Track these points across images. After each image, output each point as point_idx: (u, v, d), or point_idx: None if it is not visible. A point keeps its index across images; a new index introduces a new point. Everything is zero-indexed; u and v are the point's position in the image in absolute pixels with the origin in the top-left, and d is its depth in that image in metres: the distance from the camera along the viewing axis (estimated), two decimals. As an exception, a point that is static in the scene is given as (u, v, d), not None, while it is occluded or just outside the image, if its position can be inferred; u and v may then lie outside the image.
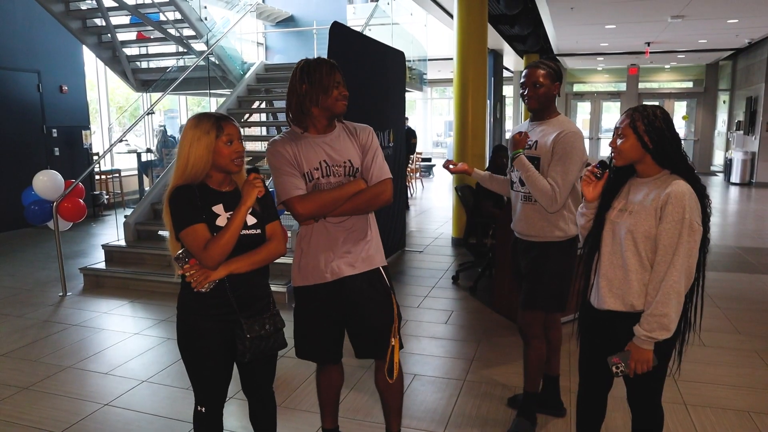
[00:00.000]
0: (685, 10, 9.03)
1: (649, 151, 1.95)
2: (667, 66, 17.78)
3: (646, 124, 1.94)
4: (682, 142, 2.05)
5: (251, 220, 2.06)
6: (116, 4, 7.90)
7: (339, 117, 2.31)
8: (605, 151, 18.98)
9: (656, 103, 2.03)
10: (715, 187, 13.50)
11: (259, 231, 2.08)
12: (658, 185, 1.96)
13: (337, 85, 2.21)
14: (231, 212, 2.01)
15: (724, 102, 16.39)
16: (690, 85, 18.26)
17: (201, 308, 2.03)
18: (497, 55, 14.29)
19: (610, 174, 2.11)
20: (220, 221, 1.99)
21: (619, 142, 1.99)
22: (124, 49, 8.96)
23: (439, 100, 23.71)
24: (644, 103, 2.00)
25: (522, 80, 2.71)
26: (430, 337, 4.20)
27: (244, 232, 2.01)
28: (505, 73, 16.91)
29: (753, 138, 13.38)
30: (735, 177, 13.54)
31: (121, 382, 3.50)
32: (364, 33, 6.40)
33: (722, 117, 16.44)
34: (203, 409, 2.15)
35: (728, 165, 14.06)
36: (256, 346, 2.03)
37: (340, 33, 4.58)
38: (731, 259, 6.41)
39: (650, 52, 13.55)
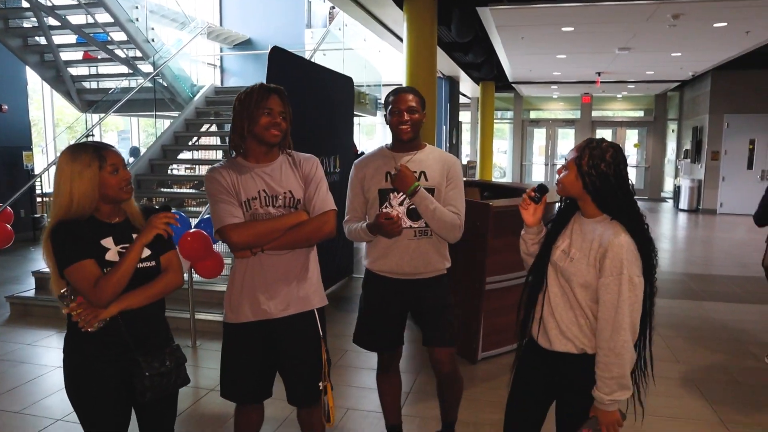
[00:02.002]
0: (631, 42, 9.31)
1: (588, 192, 1.86)
2: (618, 95, 18.32)
3: (590, 165, 1.82)
4: (635, 168, 1.97)
5: (145, 252, 1.93)
6: (59, 24, 7.69)
7: (277, 146, 2.21)
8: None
9: (611, 141, 1.89)
10: (664, 213, 13.85)
11: (153, 263, 1.95)
12: (598, 230, 1.86)
13: (267, 113, 2.11)
14: (122, 245, 1.88)
15: (672, 131, 16.95)
16: (641, 114, 18.84)
17: (92, 350, 1.88)
18: (453, 82, 14.48)
19: (563, 201, 2.01)
20: (110, 255, 1.86)
21: (564, 173, 1.91)
22: (70, 69, 8.72)
23: (400, 125, 23.86)
24: (600, 138, 1.93)
25: (391, 107, 2.47)
26: (368, 368, 4.08)
27: (138, 265, 1.89)
28: (462, 99, 17.13)
29: (699, 166, 13.82)
30: (683, 203, 13.93)
31: (34, 422, 3.27)
32: (314, 58, 6.35)
33: (671, 145, 16.98)
34: None
35: (677, 192, 14.47)
36: (157, 384, 1.90)
37: (280, 58, 4.51)
38: (676, 285, 6.51)
39: (601, 82, 13.92)
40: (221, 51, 13.13)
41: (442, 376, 2.70)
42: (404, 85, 6.87)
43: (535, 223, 2.05)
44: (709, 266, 7.65)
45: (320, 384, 2.25)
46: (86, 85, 9.26)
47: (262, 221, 2.12)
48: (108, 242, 1.88)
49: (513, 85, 15.79)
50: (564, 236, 1.98)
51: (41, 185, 9.33)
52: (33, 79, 9.51)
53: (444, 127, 13.63)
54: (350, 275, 6.69)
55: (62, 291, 1.85)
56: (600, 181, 1.82)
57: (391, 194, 2.47)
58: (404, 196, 2.44)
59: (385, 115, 2.56)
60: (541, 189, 2.02)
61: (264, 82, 2.27)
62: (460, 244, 2.60)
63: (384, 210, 2.45)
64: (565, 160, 1.93)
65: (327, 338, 2.29)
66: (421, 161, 2.49)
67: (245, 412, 2.38)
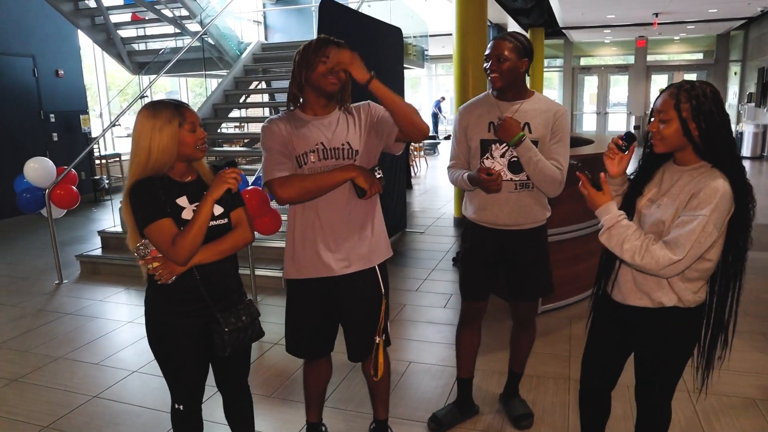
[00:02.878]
0: (695, -21, 8.74)
1: (691, 141, 1.71)
2: (676, 37, 17.35)
3: (694, 107, 1.67)
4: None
5: (218, 210, 1.95)
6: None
7: (336, 98, 2.16)
8: (613, 126, 18.69)
9: (705, 81, 1.74)
10: (743, 166, 13.21)
11: (225, 220, 1.98)
12: (694, 177, 1.74)
13: (324, 61, 2.06)
14: (196, 204, 1.90)
15: (735, 73, 16.00)
16: (700, 56, 17.85)
17: (172, 305, 1.94)
18: (501, 30, 13.99)
19: (646, 151, 1.89)
20: (186, 214, 1.89)
21: (661, 126, 1.74)
22: (119, 31, 8.81)
23: (445, 77, 23.35)
24: (665, 78, 1.74)
25: (486, 53, 2.39)
26: (428, 322, 4.11)
27: (211, 223, 1.91)
28: (511, 48, 16.55)
29: (765, 110, 13.06)
30: (746, 150, 13.25)
31: (112, 373, 3.45)
32: (360, 9, 6.21)
33: (733, 89, 16.07)
34: (181, 407, 2.08)
35: (739, 138, 13.75)
36: (234, 339, 1.95)
37: (329, 10, 4.43)
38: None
39: (658, 24, 13.19)
40: (264, 6, 13.00)
41: (523, 324, 2.74)
42: (454, 34, 6.67)
43: (620, 173, 1.94)
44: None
45: (376, 338, 2.28)
46: (135, 47, 9.35)
47: (310, 176, 2.08)
48: (183, 201, 1.91)
49: (563, 30, 15.15)
50: (651, 186, 1.88)
51: (99, 148, 9.62)
52: (85, 43, 9.68)
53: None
54: (404, 230, 6.70)
55: (138, 245, 1.89)
56: (707, 123, 1.68)
57: (493, 145, 2.41)
58: (506, 147, 2.38)
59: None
60: (629, 137, 1.88)
61: (307, 36, 2.22)
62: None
63: (485, 164, 2.42)
64: (658, 111, 1.76)
65: (388, 294, 2.31)
66: (526, 112, 2.39)
67: (314, 367, 2.44)
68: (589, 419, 2.22)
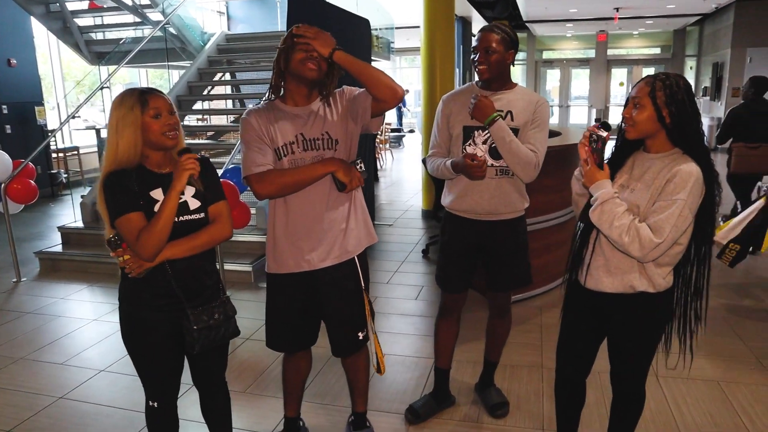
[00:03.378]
0: (654, -26, 8.94)
1: (664, 126, 1.78)
2: (635, 32, 17.77)
3: (668, 95, 1.75)
4: None
5: (194, 203, 1.90)
6: (64, -29, 7.47)
7: (318, 86, 2.12)
8: (575, 119, 19.03)
9: (679, 74, 1.82)
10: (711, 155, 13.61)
11: (202, 215, 1.92)
12: (667, 164, 1.79)
13: (302, 48, 2.02)
14: None
15: (691, 68, 16.49)
16: (658, 51, 18.32)
17: (145, 299, 1.89)
18: (465, 23, 14.06)
19: (617, 141, 1.94)
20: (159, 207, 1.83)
21: (634, 112, 1.81)
22: (76, 20, 8.50)
23: (409, 70, 23.38)
24: (624, 72, 1.81)
25: (474, 45, 2.42)
26: (400, 314, 4.11)
27: (186, 217, 1.87)
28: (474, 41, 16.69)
29: (719, 104, 13.50)
30: (702, 142, 13.66)
31: (78, 373, 3.34)
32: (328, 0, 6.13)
33: (690, 83, 16.55)
34: (155, 404, 2.03)
35: (695, 131, 14.16)
36: (205, 337, 1.91)
37: (299, 0, 4.36)
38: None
39: (619, 18, 13.47)
40: (227, -3, 12.73)
41: (497, 311, 2.76)
42: (421, 26, 6.66)
43: (595, 162, 1.97)
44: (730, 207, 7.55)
45: (360, 334, 2.27)
46: (94, 36, 9.04)
47: (288, 171, 2.06)
48: (157, 193, 1.85)
49: (527, 24, 15.33)
50: (622, 173, 1.93)
51: (56, 141, 9.28)
52: (39, 31, 9.32)
53: (457, 69, 13.32)
54: (372, 222, 6.67)
55: (109, 237, 1.84)
56: (678, 111, 1.75)
57: (476, 132, 2.43)
58: (489, 134, 2.38)
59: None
60: (605, 126, 1.90)
61: (270, 27, 2.18)
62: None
63: (467, 150, 2.43)
64: (633, 97, 1.82)
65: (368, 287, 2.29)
66: (509, 101, 2.42)
67: (294, 360, 2.42)
68: (565, 407, 2.26)
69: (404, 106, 19.07)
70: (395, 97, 2.00)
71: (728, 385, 3.01)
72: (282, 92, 2.15)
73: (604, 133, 1.85)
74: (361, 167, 2.13)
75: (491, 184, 2.45)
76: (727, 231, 3.84)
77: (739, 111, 5.48)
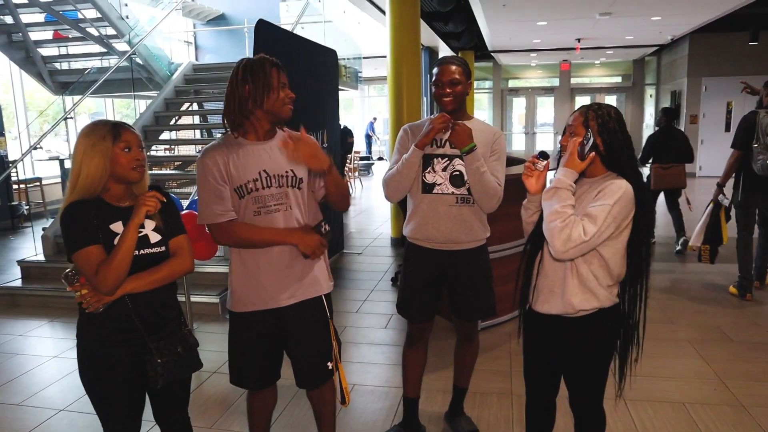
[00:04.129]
0: (612, 8, 9.26)
1: (599, 153, 1.89)
2: (597, 61, 18.33)
3: (600, 124, 1.87)
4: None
5: (155, 237, 1.89)
6: (26, 1, 7.39)
7: (282, 123, 2.12)
8: (540, 145, 19.41)
9: (609, 103, 1.96)
10: (644, 177, 13.97)
11: (163, 248, 1.91)
12: (601, 183, 1.90)
13: (283, 87, 2.03)
14: None
15: (651, 96, 17.05)
16: (619, 79, 18.90)
17: (105, 334, 1.84)
18: (432, 52, 14.32)
19: (550, 164, 2.04)
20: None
21: (570, 140, 1.92)
22: (40, 50, 8.40)
23: (378, 98, 23.63)
24: (587, 100, 1.94)
25: (434, 78, 2.44)
26: (369, 343, 4.08)
27: (146, 251, 1.85)
28: (442, 71, 16.97)
29: (678, 130, 13.94)
30: (663, 168, 14.07)
31: (36, 413, 3.21)
32: (295, 31, 6.21)
33: (649, 110, 17.10)
34: None
35: (656, 156, 14.59)
36: (168, 371, 1.87)
37: (266, 31, 4.40)
38: (662, 248, 6.59)
39: (580, 48, 13.89)
40: (194, 27, 12.77)
41: (463, 337, 2.77)
42: (388, 57, 6.77)
43: (538, 190, 2.04)
44: (693, 228, 7.74)
45: (329, 363, 2.25)
46: (58, 66, 8.94)
47: (251, 229, 2.04)
48: (117, 227, 1.83)
49: (492, 54, 15.69)
50: None
51: (17, 172, 9.07)
52: (1, 61, 9.17)
53: (424, 98, 13.52)
54: (341, 251, 6.67)
55: (66, 271, 1.81)
56: (611, 138, 1.87)
57: (435, 159, 2.45)
58: (448, 161, 2.42)
59: (430, 86, 2.53)
60: (543, 155, 2.03)
61: (238, 58, 2.16)
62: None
63: (427, 178, 2.45)
64: (569, 125, 1.95)
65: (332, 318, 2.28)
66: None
67: (259, 395, 2.36)
68: (536, 429, 2.27)
69: (374, 134, 19.25)
70: (344, 210, 2.11)
71: (693, 407, 3.06)
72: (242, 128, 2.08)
73: (543, 163, 1.99)
74: (325, 229, 2.14)
75: (451, 212, 2.46)
76: (695, 239, 4.74)
77: (656, 136, 6.43)
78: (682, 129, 13.47)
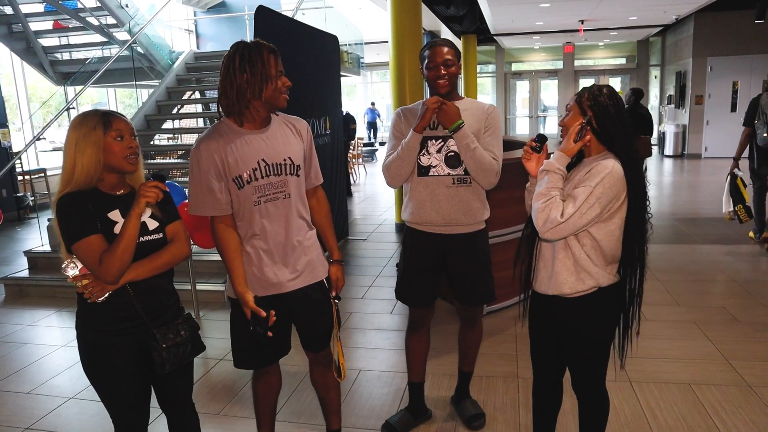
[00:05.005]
0: (615, -13, 9.17)
1: (593, 129, 1.92)
2: (600, 43, 18.16)
3: (590, 99, 1.92)
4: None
5: (152, 224, 1.89)
6: (26, -9, 7.37)
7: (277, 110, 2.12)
8: (545, 129, 19.32)
9: (606, 83, 1.98)
10: (649, 159, 13.90)
11: (161, 235, 1.91)
12: (593, 162, 1.92)
13: (280, 75, 2.00)
14: None
15: (655, 77, 16.90)
16: (623, 61, 18.74)
17: (107, 324, 1.84)
18: (434, 37, 14.23)
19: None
20: (119, 229, 1.80)
21: (566, 117, 1.97)
22: (40, 40, 8.38)
23: (381, 84, 23.52)
24: (591, 82, 1.98)
25: (427, 61, 2.41)
26: (376, 329, 4.10)
27: (145, 238, 1.85)
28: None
29: (683, 111, 13.85)
30: (668, 149, 14.00)
31: (45, 401, 3.24)
32: (295, 17, 6.16)
33: (654, 92, 16.96)
34: None
35: (662, 138, 14.51)
36: (174, 355, 1.88)
37: (266, 18, 4.36)
38: (668, 231, 6.58)
39: (584, 30, 13.76)
40: (195, 15, 12.71)
41: (472, 330, 2.76)
42: (390, 41, 6.72)
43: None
44: (698, 210, 7.73)
45: (333, 341, 2.29)
46: (59, 56, 8.92)
47: (220, 234, 2.06)
48: (115, 215, 1.82)
49: (494, 37, 15.56)
50: (566, 182, 2.00)
51: (21, 163, 9.09)
52: (2, 52, 9.15)
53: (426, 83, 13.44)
54: (346, 237, 6.67)
55: (66, 262, 1.79)
56: (601, 111, 1.90)
57: (429, 141, 2.44)
58: (442, 142, 2.41)
59: (421, 69, 2.50)
60: (541, 138, 2.05)
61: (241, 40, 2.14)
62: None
63: (422, 160, 2.44)
64: (567, 105, 2.00)
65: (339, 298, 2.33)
66: (461, 110, 2.40)
67: (263, 379, 2.37)
68: (542, 410, 2.29)
69: (379, 118, 19.20)
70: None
71: (699, 387, 3.06)
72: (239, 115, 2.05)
73: (539, 145, 2.04)
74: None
75: (449, 193, 2.45)
76: (725, 207, 5.60)
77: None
78: (688, 110, 13.45)
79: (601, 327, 2.00)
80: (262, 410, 2.43)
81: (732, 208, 5.51)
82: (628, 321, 2.04)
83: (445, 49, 2.40)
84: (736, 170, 5.50)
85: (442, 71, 2.39)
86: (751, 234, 5.99)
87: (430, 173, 2.45)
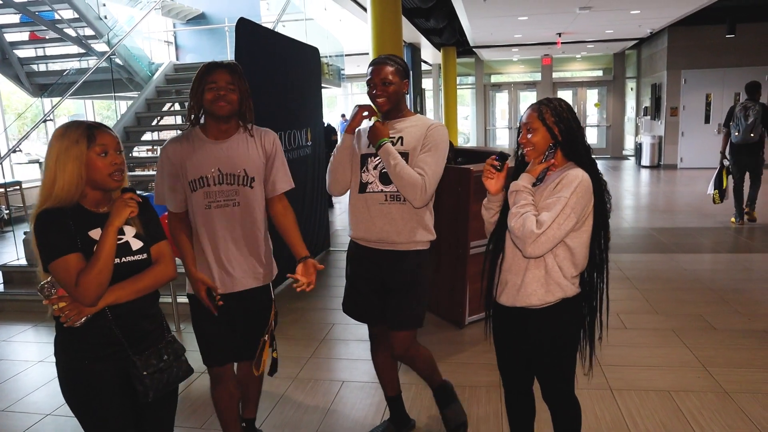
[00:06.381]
0: (592, 2, 9.34)
1: (558, 142, 1.95)
2: (578, 56, 18.45)
3: (555, 116, 1.94)
4: (596, 128, 2.08)
5: (137, 244, 1.80)
6: (0, 2, 7.28)
7: (234, 120, 2.26)
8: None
9: (559, 96, 2.02)
10: (627, 170, 14.14)
11: (145, 256, 1.82)
12: (560, 173, 1.96)
13: (211, 87, 2.14)
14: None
15: (631, 89, 17.22)
16: (600, 73, 19.05)
17: (86, 349, 1.73)
18: (415, 49, 14.34)
19: (517, 163, 2.10)
20: None
21: (529, 136, 1.98)
22: (16, 51, 8.28)
23: (361, 96, 23.62)
24: (569, 94, 2.04)
25: (368, 78, 2.41)
26: (358, 339, 4.09)
27: (129, 258, 1.76)
28: (424, 66, 17.03)
29: (659, 123, 14.11)
30: (645, 160, 14.24)
31: (22, 419, 3.17)
32: (276, 29, 6.17)
33: (631, 103, 17.28)
34: None
35: (638, 149, 14.76)
36: (157, 381, 1.78)
37: (247, 30, 4.37)
38: (645, 240, 6.68)
39: (561, 43, 13.98)
40: (174, 27, 12.64)
41: (395, 357, 2.66)
42: (370, 53, 6.76)
43: (499, 191, 2.09)
44: (675, 220, 7.86)
45: (265, 338, 2.36)
46: (35, 67, 8.81)
47: (174, 230, 2.28)
48: (96, 233, 1.72)
49: (474, 49, 15.74)
50: (535, 197, 2.02)
51: (-5, 176, 8.94)
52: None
53: (407, 97, 13.53)
54: (327, 249, 6.66)
55: (42, 283, 1.70)
56: (566, 127, 1.94)
57: (369, 158, 2.47)
58: (379, 160, 2.43)
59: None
60: (502, 157, 2.07)
61: (219, 57, 2.26)
62: (443, 210, 2.58)
63: (363, 177, 2.48)
64: (524, 123, 2.00)
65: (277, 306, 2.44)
66: (403, 128, 2.43)
67: (222, 386, 2.46)
68: (516, 419, 2.32)
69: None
70: None
71: (678, 394, 3.10)
72: (202, 122, 2.27)
73: (501, 164, 2.06)
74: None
75: (381, 210, 2.43)
76: (710, 188, 7.11)
77: None
78: (663, 121, 13.72)
79: (566, 336, 2.04)
80: (226, 421, 2.52)
81: (711, 191, 7.04)
82: (593, 328, 2.08)
83: (387, 68, 2.37)
84: (724, 161, 7.01)
85: (379, 90, 2.38)
86: (732, 219, 7.33)
87: (367, 189, 2.46)
